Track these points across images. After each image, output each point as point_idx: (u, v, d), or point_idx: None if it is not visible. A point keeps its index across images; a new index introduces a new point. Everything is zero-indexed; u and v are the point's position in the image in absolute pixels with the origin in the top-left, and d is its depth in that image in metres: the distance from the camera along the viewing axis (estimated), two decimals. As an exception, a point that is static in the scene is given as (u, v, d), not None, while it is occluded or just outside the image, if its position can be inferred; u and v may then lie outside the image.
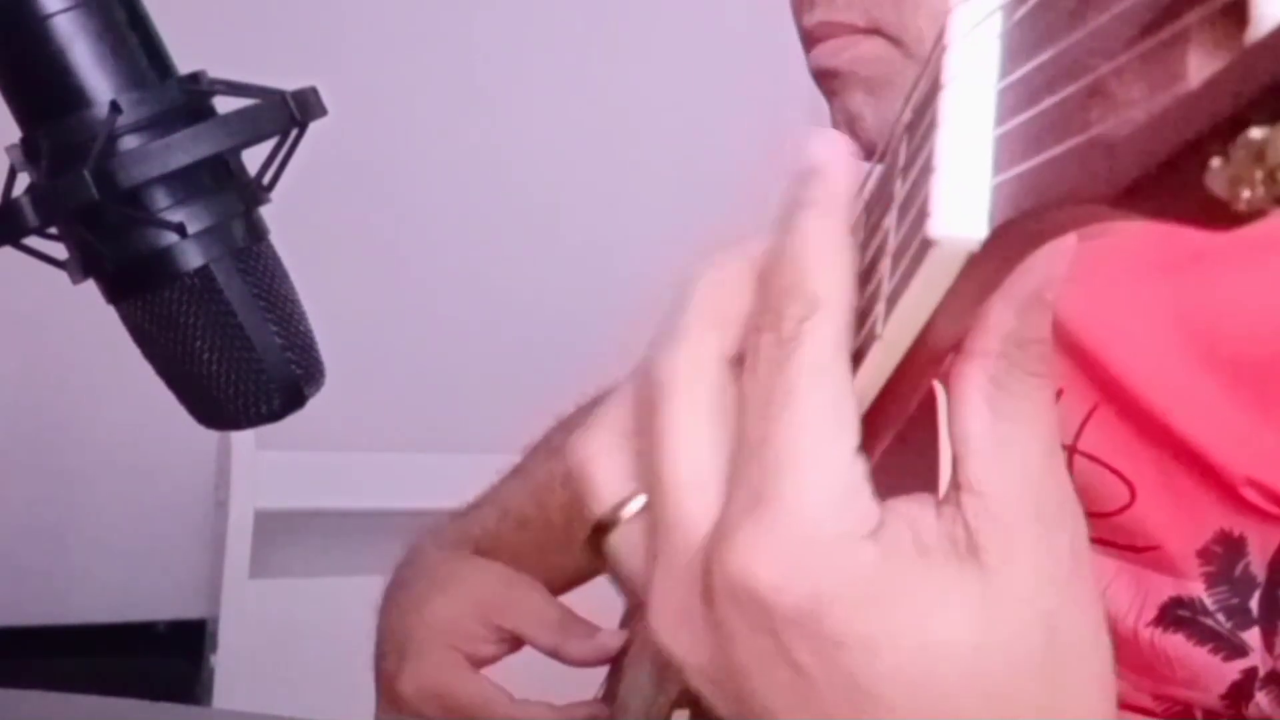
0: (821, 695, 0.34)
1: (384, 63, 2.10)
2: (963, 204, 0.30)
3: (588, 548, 0.40)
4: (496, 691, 0.92)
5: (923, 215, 0.31)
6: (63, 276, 0.56)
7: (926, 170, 0.32)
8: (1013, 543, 0.34)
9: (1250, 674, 0.60)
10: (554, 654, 0.93)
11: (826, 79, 0.70)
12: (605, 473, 0.39)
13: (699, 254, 0.40)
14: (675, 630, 0.36)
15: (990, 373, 0.34)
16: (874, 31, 0.67)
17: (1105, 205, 0.26)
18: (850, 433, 0.34)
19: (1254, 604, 0.60)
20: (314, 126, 0.56)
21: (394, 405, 2.12)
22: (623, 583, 0.40)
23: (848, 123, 0.70)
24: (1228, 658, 0.60)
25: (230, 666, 2.04)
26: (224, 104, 0.56)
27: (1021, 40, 0.30)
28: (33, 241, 0.54)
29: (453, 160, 2.16)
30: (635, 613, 1.04)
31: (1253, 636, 0.60)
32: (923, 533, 0.35)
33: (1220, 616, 0.60)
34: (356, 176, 2.03)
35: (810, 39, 0.71)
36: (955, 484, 0.35)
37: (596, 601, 1.05)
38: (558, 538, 1.04)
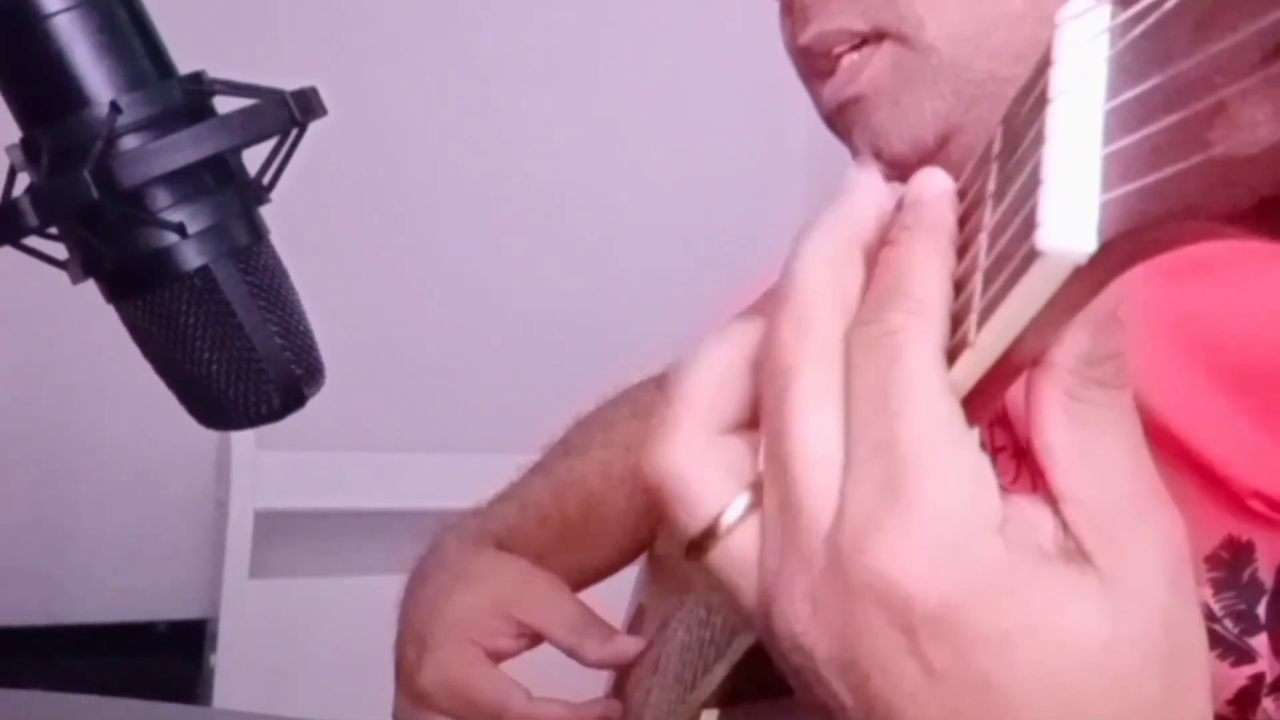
0: (950, 693, 0.34)
1: (384, 63, 2.10)
2: (1072, 217, 0.31)
3: (688, 561, 0.38)
4: (514, 687, 0.92)
5: (1030, 226, 0.32)
6: (63, 276, 0.56)
7: (1033, 183, 0.32)
8: (1119, 545, 0.34)
9: (1257, 680, 0.60)
10: (571, 653, 0.94)
11: (848, 109, 0.68)
12: (703, 478, 0.38)
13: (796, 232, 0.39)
14: (804, 618, 0.35)
15: (1065, 386, 0.35)
16: (876, 34, 0.66)
17: (1223, 224, 0.27)
18: (970, 432, 0.35)
19: (1261, 610, 0.60)
20: (314, 126, 0.56)
21: (394, 405, 2.12)
22: (729, 595, 0.38)
23: (873, 145, 0.68)
24: (1235, 664, 0.60)
25: (230, 666, 2.04)
26: (224, 104, 0.56)
27: (1132, 62, 0.30)
28: (33, 241, 0.54)
29: (453, 160, 2.16)
30: (640, 614, 1.05)
31: (1260, 642, 0.60)
32: (1040, 534, 0.35)
33: (1228, 622, 0.60)
34: (356, 176, 2.03)
35: (810, 58, 0.70)
36: (1051, 495, 0.35)
37: (603, 601, 1.06)
38: (576, 535, 1.04)
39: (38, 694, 1.00)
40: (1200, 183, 0.27)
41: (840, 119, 0.70)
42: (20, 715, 0.97)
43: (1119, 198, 0.30)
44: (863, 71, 0.67)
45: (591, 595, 1.04)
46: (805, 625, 0.35)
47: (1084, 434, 0.35)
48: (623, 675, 1.01)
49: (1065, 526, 0.35)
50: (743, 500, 0.37)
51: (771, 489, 0.37)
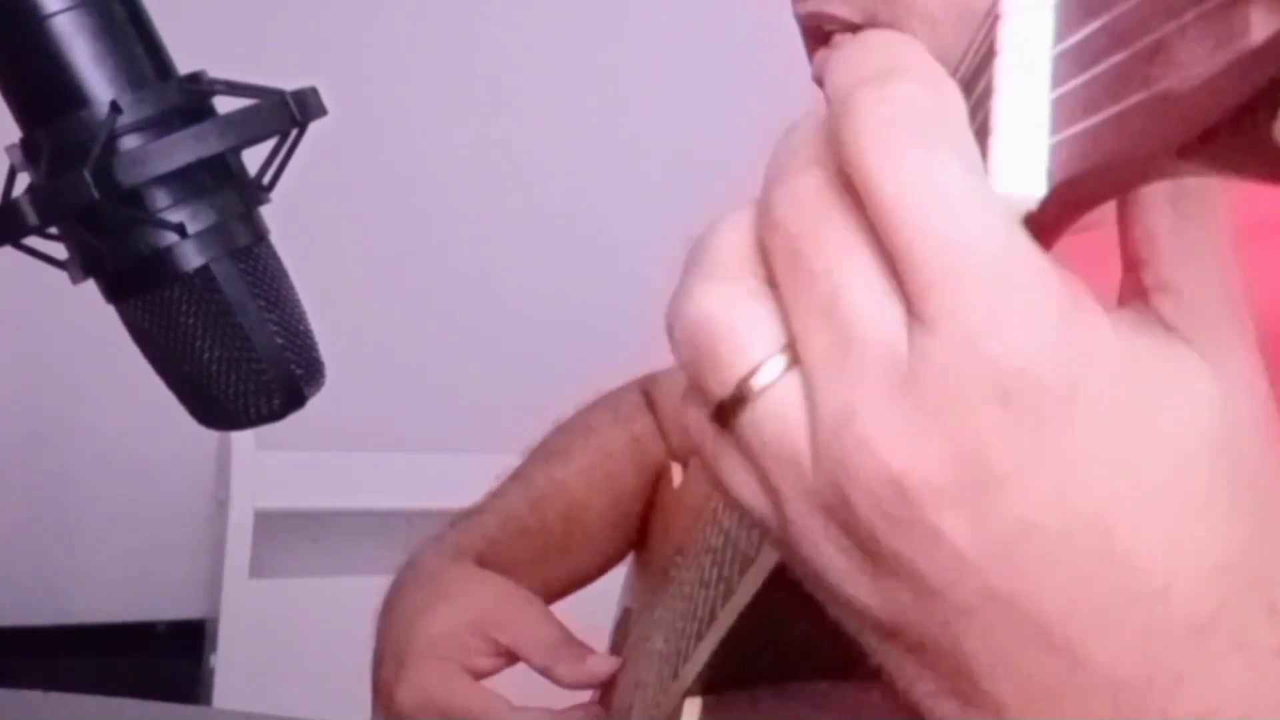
0: (1088, 491, 0.31)
1: (384, 63, 2.10)
2: (1021, 163, 0.31)
3: (713, 426, 0.34)
4: (494, 699, 0.92)
5: None
6: (63, 276, 0.56)
7: (983, 133, 0.32)
8: (1220, 336, 0.33)
9: None
10: (545, 674, 0.94)
11: None
12: (736, 330, 0.34)
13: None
14: (898, 445, 0.31)
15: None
16: (869, 25, 0.67)
17: (1168, 161, 0.27)
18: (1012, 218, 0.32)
19: None
20: (314, 126, 0.56)
21: (394, 405, 2.12)
22: (762, 467, 0.34)
23: None
24: None
25: (230, 666, 2.04)
26: (224, 104, 0.56)
27: (1076, 7, 0.31)
28: (33, 241, 0.54)
29: (453, 160, 2.16)
30: (627, 617, 1.05)
31: None
32: (1142, 320, 0.33)
33: None
34: (356, 176, 2.03)
35: (805, 33, 0.71)
36: (1139, 287, 0.34)
37: (590, 606, 1.06)
38: (557, 545, 1.04)
39: (38, 694, 1.00)
40: (1144, 120, 0.27)
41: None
42: (20, 715, 0.97)
43: (1066, 139, 0.30)
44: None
45: (576, 599, 1.04)
46: (898, 449, 0.31)
47: (1188, 225, 0.33)
48: (609, 680, 1.01)
49: (1154, 315, 0.33)
50: (779, 360, 0.33)
51: (818, 334, 0.32)
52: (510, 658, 0.95)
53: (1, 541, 1.98)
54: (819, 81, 0.73)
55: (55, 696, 1.01)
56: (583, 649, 0.94)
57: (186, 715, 1.46)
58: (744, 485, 0.35)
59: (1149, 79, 0.27)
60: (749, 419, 0.34)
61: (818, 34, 0.71)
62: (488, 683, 0.94)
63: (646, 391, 1.11)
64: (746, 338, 0.34)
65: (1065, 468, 0.31)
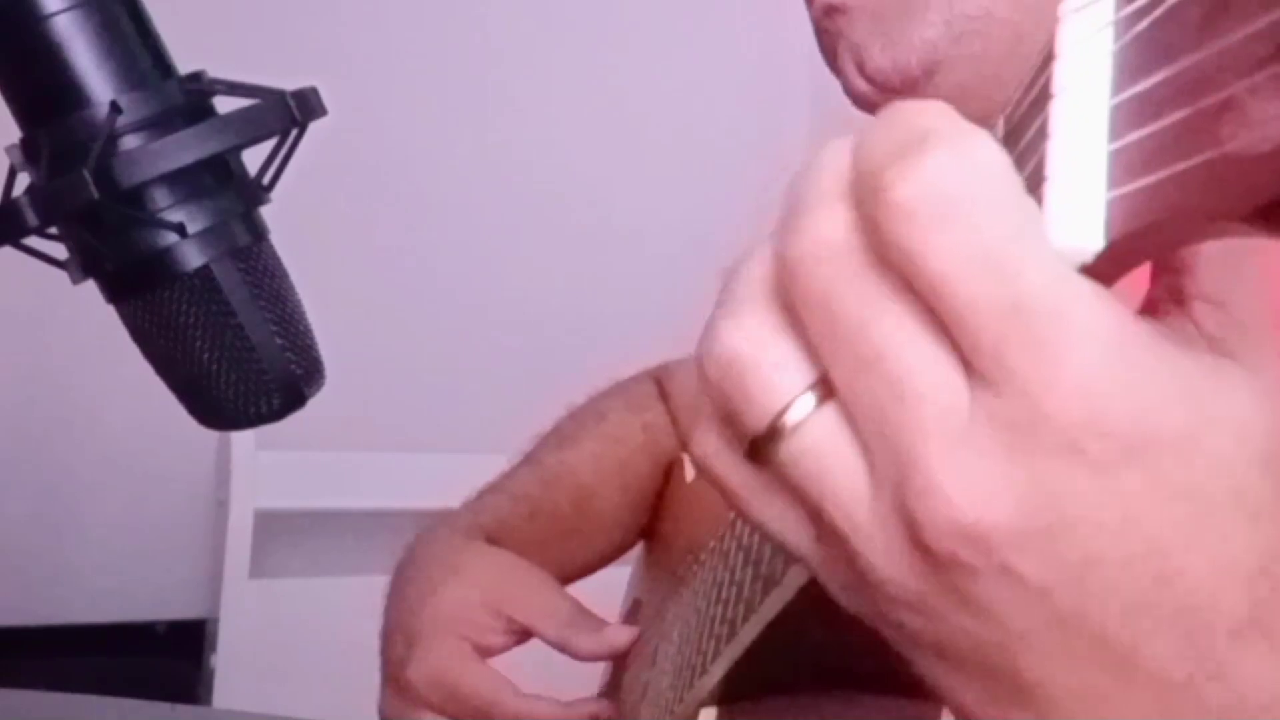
0: (1144, 514, 0.32)
1: (384, 63, 2.10)
2: (1079, 214, 0.31)
3: (750, 462, 0.35)
4: (503, 683, 0.92)
5: None
6: (63, 276, 0.56)
7: (1037, 179, 0.32)
8: (1262, 348, 0.33)
9: None
10: (561, 648, 0.93)
11: (833, 16, 0.69)
12: (772, 363, 0.34)
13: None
14: (975, 499, 0.32)
15: None
16: None
17: (1234, 222, 0.26)
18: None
19: None
20: (314, 126, 0.56)
21: (394, 405, 2.12)
22: (810, 497, 0.34)
23: (855, 58, 0.69)
24: None
25: (230, 666, 2.04)
26: (224, 104, 0.56)
27: (1137, 57, 0.30)
28: (33, 241, 0.54)
29: (453, 160, 2.16)
30: (636, 608, 1.05)
31: None
32: (1186, 336, 0.33)
33: None
34: (356, 176, 2.03)
35: (821, 32, 0.71)
36: (1176, 293, 0.34)
37: (598, 595, 1.05)
38: (566, 527, 1.04)
39: (38, 694, 1.00)
40: (1209, 180, 0.27)
41: (826, 27, 0.70)
42: (20, 715, 0.97)
43: (1125, 195, 0.30)
44: None
45: (586, 589, 1.04)
46: (966, 499, 0.32)
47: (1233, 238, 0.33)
48: (617, 672, 1.01)
49: (1195, 328, 0.33)
50: (810, 397, 0.34)
51: (862, 382, 0.33)
52: (522, 635, 0.94)
53: (1, 541, 1.98)
54: (817, 29, 0.71)
55: (55, 696, 1.01)
56: (598, 621, 0.94)
57: (186, 715, 1.46)
58: (781, 520, 0.36)
59: (1217, 138, 0.26)
60: (786, 454, 0.34)
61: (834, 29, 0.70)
62: (497, 664, 0.94)
63: (659, 381, 1.11)
64: (776, 373, 0.34)
65: (1129, 504, 0.32)
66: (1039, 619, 0.33)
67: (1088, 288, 0.31)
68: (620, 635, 0.93)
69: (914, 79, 0.67)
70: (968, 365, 0.32)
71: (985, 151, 0.32)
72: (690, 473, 1.03)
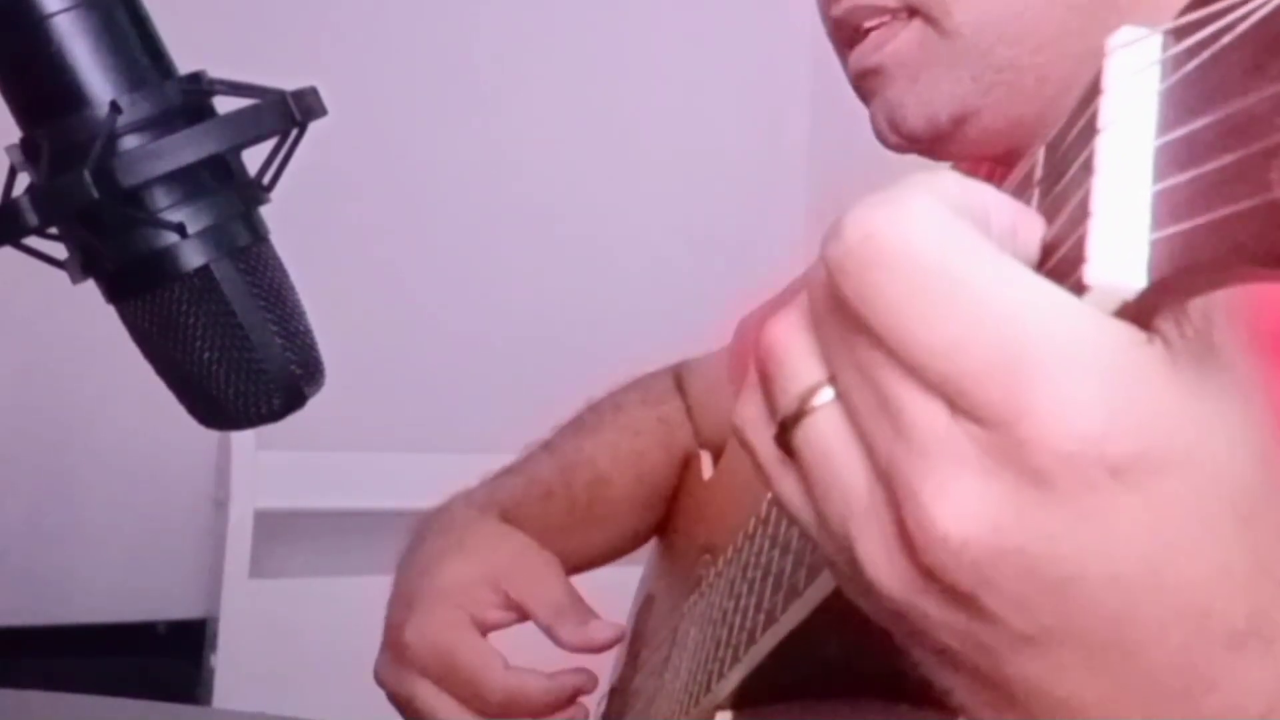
0: (1127, 537, 0.32)
1: (384, 63, 2.10)
2: (1122, 253, 0.31)
3: (777, 443, 0.37)
4: (494, 655, 0.92)
5: (1078, 259, 0.32)
6: (63, 276, 0.56)
7: (1081, 214, 0.32)
8: (1247, 355, 0.34)
9: None
10: (548, 633, 0.94)
11: (869, 78, 0.71)
12: (802, 353, 0.36)
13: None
14: (956, 515, 0.33)
15: None
16: (906, 11, 0.69)
17: (1277, 268, 0.27)
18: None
19: None
20: (314, 126, 0.56)
21: (394, 405, 2.12)
22: (814, 478, 0.36)
23: (888, 117, 0.71)
24: None
25: (230, 666, 2.04)
26: (224, 104, 0.56)
27: (1184, 97, 0.30)
28: (33, 241, 0.54)
29: (453, 160, 2.16)
30: (649, 604, 1.05)
31: None
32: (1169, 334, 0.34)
33: None
34: (356, 176, 2.04)
35: (841, 29, 0.72)
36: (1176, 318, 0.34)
37: (612, 590, 1.06)
38: (581, 514, 1.04)
39: (38, 694, 1.00)
40: (1255, 226, 0.27)
41: (862, 86, 0.72)
42: (20, 715, 0.97)
43: (1169, 237, 0.30)
44: (888, 44, 0.69)
45: (598, 585, 1.04)
46: (956, 521, 0.33)
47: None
48: (629, 668, 1.01)
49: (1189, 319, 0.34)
50: (831, 391, 0.36)
51: (859, 390, 0.34)
52: (520, 613, 0.95)
53: (1, 541, 1.98)
54: (854, 85, 0.73)
55: (55, 696, 1.01)
56: (587, 614, 0.95)
57: (186, 715, 1.46)
58: (795, 497, 0.38)
59: (1266, 184, 0.26)
60: (802, 436, 0.36)
61: (847, 36, 0.72)
62: (496, 640, 0.95)
63: (679, 376, 1.12)
64: (805, 362, 0.36)
65: (1116, 523, 0.32)
66: (1023, 628, 0.34)
67: (1074, 310, 0.32)
68: (602, 632, 0.94)
69: (944, 131, 0.69)
70: (950, 405, 0.33)
71: (916, 199, 0.33)
72: (707, 471, 1.04)
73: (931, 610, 0.35)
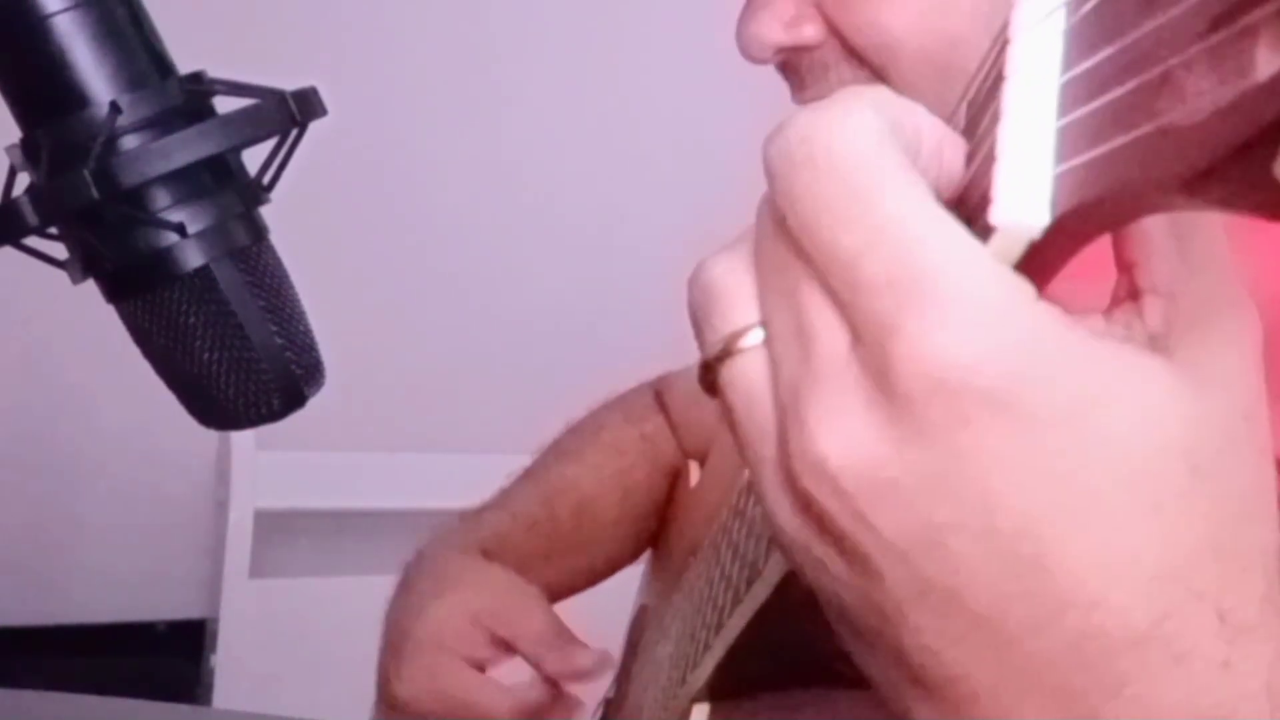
0: (1021, 483, 0.31)
1: (384, 63, 2.10)
2: (1025, 191, 0.31)
3: (701, 383, 0.37)
4: (487, 684, 0.94)
5: (985, 202, 0.32)
6: (63, 276, 0.56)
7: (989, 160, 0.32)
8: (1210, 342, 0.33)
9: None
10: (534, 666, 0.96)
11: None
12: (734, 295, 0.36)
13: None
14: (835, 442, 0.32)
15: None
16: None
17: (1171, 194, 0.27)
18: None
19: None
20: (314, 126, 0.56)
21: (394, 405, 2.12)
22: (734, 427, 0.36)
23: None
24: None
25: (230, 666, 2.04)
26: (224, 104, 0.56)
27: (1085, 35, 0.31)
28: (33, 241, 0.54)
29: (453, 160, 2.16)
30: (643, 614, 1.05)
31: None
32: (1109, 326, 0.34)
33: None
34: (356, 176, 2.03)
35: (785, 76, 0.74)
36: (1133, 290, 0.34)
37: (605, 603, 1.06)
38: (567, 540, 1.05)
39: (38, 694, 1.00)
40: (1148, 153, 0.27)
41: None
42: (20, 715, 0.97)
43: (1071, 170, 0.30)
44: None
45: (593, 601, 1.04)
46: (835, 446, 0.32)
47: (1183, 226, 0.34)
48: (623, 679, 1.02)
49: (1139, 322, 0.33)
50: (759, 333, 0.35)
51: (780, 315, 0.34)
52: (509, 650, 0.96)
53: (1, 541, 1.98)
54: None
55: (55, 696, 1.01)
56: (571, 642, 0.96)
57: (186, 715, 1.46)
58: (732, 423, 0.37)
59: (1155, 111, 0.27)
60: (724, 377, 0.36)
61: (796, 72, 0.73)
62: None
63: (658, 392, 1.12)
64: (735, 304, 0.36)
65: (987, 472, 0.31)
66: (906, 583, 0.33)
67: (972, 250, 0.31)
68: (585, 659, 0.95)
69: None
70: (846, 319, 0.33)
71: (858, 111, 0.33)
72: (694, 478, 1.04)
73: (817, 550, 0.34)
